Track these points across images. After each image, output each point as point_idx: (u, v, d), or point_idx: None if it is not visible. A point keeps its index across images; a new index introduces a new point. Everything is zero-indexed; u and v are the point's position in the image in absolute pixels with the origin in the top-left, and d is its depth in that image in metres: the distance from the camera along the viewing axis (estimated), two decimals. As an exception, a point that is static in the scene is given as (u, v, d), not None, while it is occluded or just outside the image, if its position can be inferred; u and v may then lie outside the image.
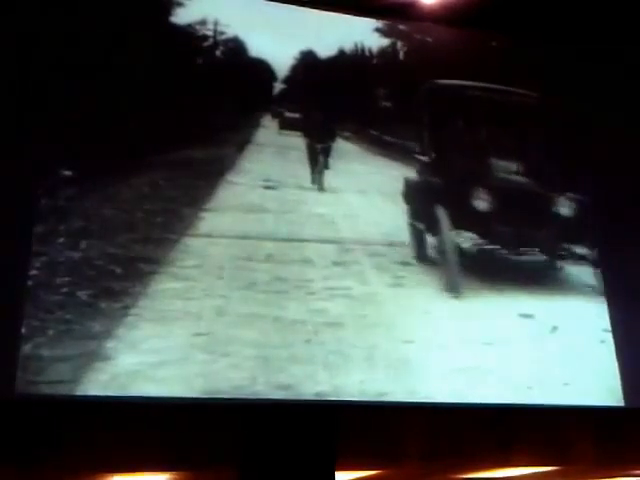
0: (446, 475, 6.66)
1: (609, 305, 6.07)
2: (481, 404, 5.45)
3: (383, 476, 6.14)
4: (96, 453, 4.74)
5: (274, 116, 6.16)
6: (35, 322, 4.75)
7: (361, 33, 6.45)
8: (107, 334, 4.85)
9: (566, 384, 5.63)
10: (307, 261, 5.55)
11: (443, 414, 5.46)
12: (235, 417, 5.05)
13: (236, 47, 6.10)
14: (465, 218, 6.08)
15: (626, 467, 6.44)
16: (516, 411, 5.59)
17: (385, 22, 6.58)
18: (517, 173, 6.47)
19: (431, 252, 5.98)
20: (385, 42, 6.54)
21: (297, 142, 6.13)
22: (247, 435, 5.06)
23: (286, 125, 6.22)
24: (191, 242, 5.37)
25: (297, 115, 6.27)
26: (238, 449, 5.01)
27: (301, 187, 5.92)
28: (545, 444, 5.71)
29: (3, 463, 4.61)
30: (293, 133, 6.18)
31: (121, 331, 4.89)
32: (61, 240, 5.03)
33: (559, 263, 6.23)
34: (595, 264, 6.25)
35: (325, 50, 6.29)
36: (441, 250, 5.98)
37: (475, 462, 5.87)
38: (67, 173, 5.21)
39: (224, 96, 5.94)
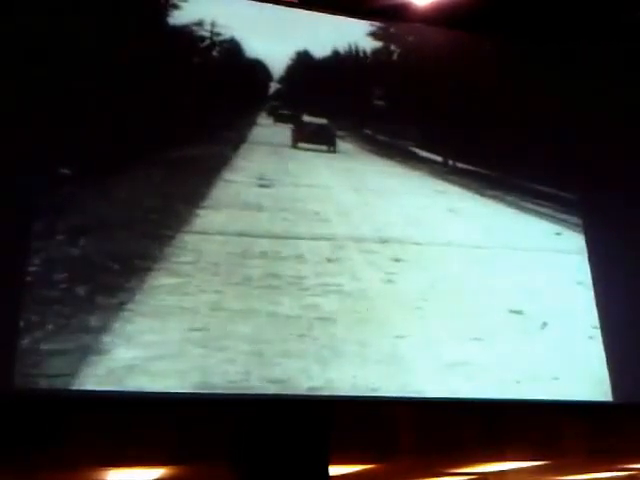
0: (438, 469, 6.75)
1: (598, 301, 6.12)
2: (473, 399, 5.50)
3: (376, 470, 6.21)
4: (92, 447, 4.80)
5: (269, 113, 6.19)
6: (34, 316, 4.82)
7: (355, 34, 6.52)
8: (104, 329, 4.90)
9: (555, 379, 5.71)
10: (301, 257, 5.62)
11: (435, 409, 5.52)
12: (229, 412, 5.12)
13: (232, 48, 6.14)
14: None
15: (614, 461, 6.52)
16: (507, 406, 5.63)
17: (378, 24, 6.65)
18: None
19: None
20: (379, 44, 6.61)
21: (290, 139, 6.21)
22: (241, 429, 5.12)
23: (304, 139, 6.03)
24: (187, 239, 5.41)
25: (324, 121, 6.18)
26: (232, 443, 5.07)
27: (296, 185, 5.99)
28: (535, 439, 5.77)
29: (0, 456, 4.67)
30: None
31: (118, 326, 4.94)
32: (59, 237, 5.08)
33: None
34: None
35: (320, 51, 6.37)
36: None
37: (467, 457, 5.94)
38: (65, 171, 5.28)
39: (220, 96, 6.00)
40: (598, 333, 6.00)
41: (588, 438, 5.90)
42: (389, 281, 5.72)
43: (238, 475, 5.07)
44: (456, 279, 5.90)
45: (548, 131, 6.72)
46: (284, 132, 6.16)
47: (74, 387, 4.72)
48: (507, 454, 5.81)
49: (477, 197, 6.40)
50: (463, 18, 6.56)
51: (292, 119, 6.18)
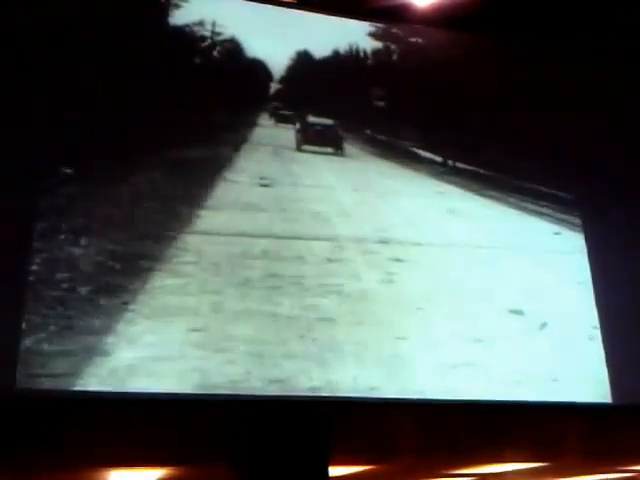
0: (438, 470, 6.72)
1: (598, 301, 6.13)
2: (473, 400, 5.50)
3: (376, 471, 6.19)
4: (93, 448, 4.77)
5: (270, 114, 6.18)
6: (36, 317, 4.81)
7: (355, 35, 6.52)
8: (106, 329, 4.91)
9: (555, 380, 5.71)
10: (301, 258, 5.62)
11: (435, 410, 5.51)
12: (230, 412, 5.10)
13: (233, 48, 6.15)
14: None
15: (614, 463, 6.51)
16: (507, 407, 5.63)
17: (379, 25, 6.65)
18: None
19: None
20: (379, 44, 6.61)
21: (292, 140, 6.20)
22: (242, 430, 5.10)
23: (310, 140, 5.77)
24: (188, 239, 5.42)
25: (330, 121, 6.04)
26: (233, 444, 5.06)
27: (296, 185, 5.98)
28: (535, 440, 5.75)
29: (2, 457, 4.65)
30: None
31: (120, 326, 4.95)
32: (62, 237, 5.08)
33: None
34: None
35: (320, 51, 6.37)
36: None
37: (467, 458, 5.92)
38: (67, 171, 5.26)
39: (221, 96, 6.00)
40: (598, 333, 6.01)
41: (587, 440, 5.88)
42: (390, 282, 5.72)
43: (238, 476, 5.06)
44: (456, 280, 5.91)
45: (548, 131, 6.72)
46: (286, 133, 6.16)
47: (76, 388, 4.73)
48: (506, 455, 5.79)
49: (477, 198, 6.41)
50: (463, 19, 6.56)
51: (294, 120, 6.15)
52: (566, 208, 6.53)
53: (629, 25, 6.74)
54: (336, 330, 5.42)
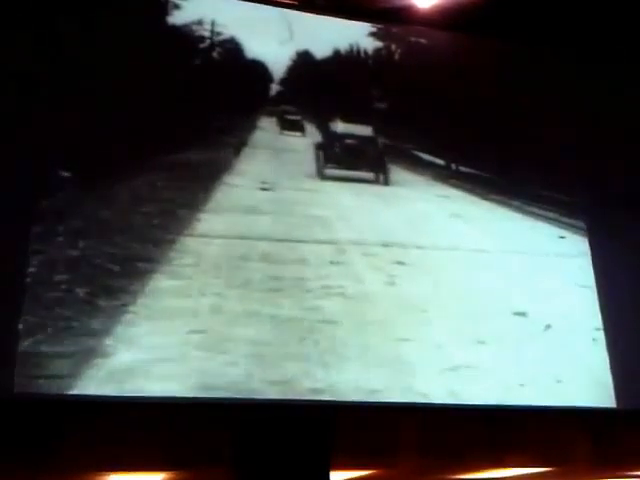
0: (440, 475, 6.68)
1: (602, 304, 6.10)
2: (476, 405, 5.47)
3: (378, 476, 6.16)
4: (92, 452, 4.77)
5: (277, 119, 6.16)
6: (34, 319, 4.79)
7: (356, 35, 6.50)
8: (105, 331, 4.88)
9: (558, 382, 5.68)
10: (303, 261, 5.59)
11: (438, 414, 5.49)
12: (231, 416, 5.09)
13: (233, 48, 6.12)
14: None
15: (617, 468, 6.47)
16: (510, 411, 5.61)
17: (380, 26, 6.63)
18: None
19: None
20: (380, 44, 6.59)
21: (293, 143, 6.17)
22: (243, 434, 5.09)
23: None
24: (188, 242, 5.39)
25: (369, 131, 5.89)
26: (234, 448, 5.04)
27: (297, 188, 5.96)
28: (538, 445, 5.74)
29: (1, 461, 4.63)
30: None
31: (119, 328, 4.92)
32: (60, 239, 5.05)
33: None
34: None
35: (321, 52, 6.35)
36: None
37: (469, 462, 5.90)
38: (66, 174, 5.25)
39: (221, 97, 5.98)
40: (601, 336, 5.98)
41: (591, 444, 5.86)
42: (392, 284, 5.69)
43: (239, 479, 5.04)
44: (459, 282, 5.88)
45: (551, 134, 6.70)
46: (288, 136, 6.14)
47: (75, 390, 4.70)
48: (510, 460, 5.78)
49: (480, 201, 6.39)
50: (465, 20, 6.55)
51: (304, 125, 5.96)
52: (570, 212, 6.50)
53: (631, 26, 6.73)
54: (338, 332, 5.39)
